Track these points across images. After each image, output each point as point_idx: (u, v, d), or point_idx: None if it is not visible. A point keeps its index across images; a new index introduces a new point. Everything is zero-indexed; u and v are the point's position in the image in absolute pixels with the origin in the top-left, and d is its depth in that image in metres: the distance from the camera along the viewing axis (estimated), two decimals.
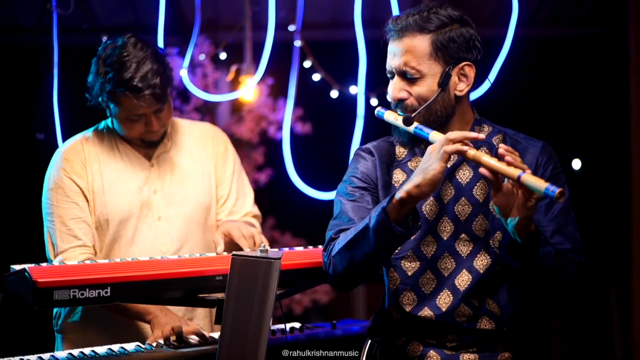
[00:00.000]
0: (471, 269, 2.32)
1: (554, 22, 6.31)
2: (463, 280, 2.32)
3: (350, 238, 2.25)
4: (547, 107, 6.19)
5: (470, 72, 2.35)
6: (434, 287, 2.34)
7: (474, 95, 4.16)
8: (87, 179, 2.94)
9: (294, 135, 5.60)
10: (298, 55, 5.30)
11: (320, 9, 5.90)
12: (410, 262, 2.36)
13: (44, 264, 2.49)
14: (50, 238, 2.90)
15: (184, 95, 5.82)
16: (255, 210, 3.26)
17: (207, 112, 6.02)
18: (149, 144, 3.03)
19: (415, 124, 2.31)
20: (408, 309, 2.36)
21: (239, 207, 3.19)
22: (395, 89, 2.36)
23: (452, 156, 2.32)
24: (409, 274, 2.36)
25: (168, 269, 2.41)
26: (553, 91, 6.24)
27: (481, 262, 2.32)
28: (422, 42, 2.31)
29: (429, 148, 2.18)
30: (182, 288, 2.43)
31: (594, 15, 6.18)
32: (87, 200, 2.93)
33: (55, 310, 3.00)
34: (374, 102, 5.30)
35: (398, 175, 2.42)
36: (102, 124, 3.08)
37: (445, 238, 2.35)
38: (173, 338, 2.66)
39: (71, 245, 2.86)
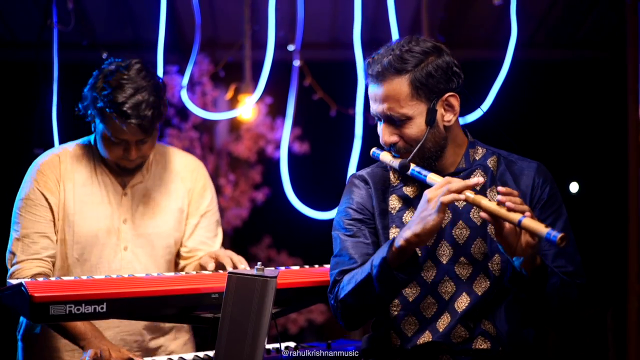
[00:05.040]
0: (470, 291, 2.31)
1: (552, 45, 6.35)
2: (462, 302, 2.31)
3: (353, 287, 2.27)
4: (544, 130, 6.21)
5: (455, 101, 2.33)
6: (435, 311, 2.33)
7: (471, 117, 4.23)
8: (58, 196, 2.90)
9: (291, 155, 5.61)
10: (297, 75, 5.32)
11: (320, 29, 5.93)
12: (410, 288, 2.35)
13: (41, 279, 2.49)
14: (12, 246, 2.87)
15: (183, 112, 5.83)
16: None
17: (205, 130, 6.03)
18: (123, 170, 2.97)
19: (412, 165, 2.31)
20: (409, 334, 2.35)
21: (206, 247, 3.11)
22: (385, 134, 2.35)
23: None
24: (410, 299, 2.35)
25: (164, 286, 2.41)
26: (551, 114, 6.27)
27: (480, 284, 2.31)
28: (400, 85, 2.28)
29: (427, 193, 2.17)
30: (178, 305, 2.42)
31: (592, 38, 6.22)
32: (54, 217, 2.90)
33: (21, 320, 2.98)
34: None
35: (394, 202, 2.41)
36: (85, 140, 3.03)
37: (444, 262, 2.33)
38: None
39: (28, 258, 2.83)
